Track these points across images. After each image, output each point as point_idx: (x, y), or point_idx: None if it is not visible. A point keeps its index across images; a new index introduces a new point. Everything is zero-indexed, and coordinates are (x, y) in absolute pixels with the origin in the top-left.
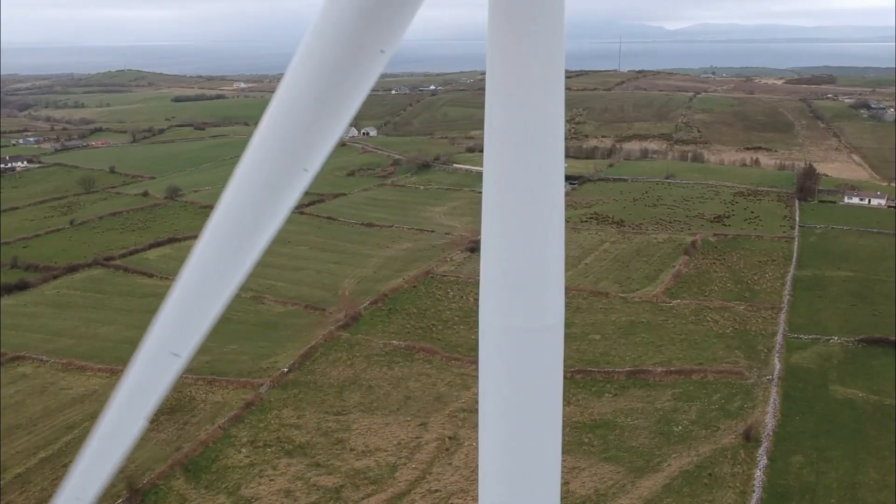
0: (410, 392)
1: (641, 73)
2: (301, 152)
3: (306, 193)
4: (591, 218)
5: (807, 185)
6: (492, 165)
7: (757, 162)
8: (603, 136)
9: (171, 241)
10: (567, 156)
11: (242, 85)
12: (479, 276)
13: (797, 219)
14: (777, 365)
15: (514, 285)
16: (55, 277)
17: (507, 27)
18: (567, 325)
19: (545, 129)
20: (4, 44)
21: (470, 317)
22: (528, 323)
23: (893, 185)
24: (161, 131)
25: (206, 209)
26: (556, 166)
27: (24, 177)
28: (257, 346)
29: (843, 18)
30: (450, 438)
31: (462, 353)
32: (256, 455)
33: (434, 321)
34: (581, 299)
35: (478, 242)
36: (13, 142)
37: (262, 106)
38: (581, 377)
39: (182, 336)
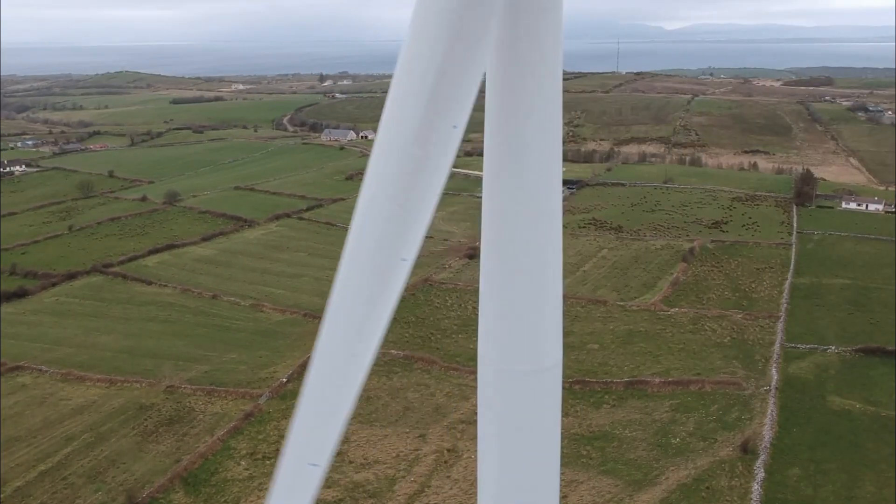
0: (409, 403)
1: (639, 76)
2: (396, 243)
3: (304, 198)
4: (589, 224)
5: (804, 190)
6: (490, 190)
7: (755, 166)
8: (601, 140)
9: (169, 247)
10: (565, 159)
11: (240, 86)
12: (477, 284)
13: (795, 225)
14: (774, 375)
15: (512, 329)
16: (54, 285)
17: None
18: (566, 334)
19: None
20: (3, 43)
21: (469, 325)
22: (526, 366)
23: (890, 189)
24: (159, 134)
25: (205, 214)
26: (554, 201)
27: (23, 181)
28: (256, 355)
29: (841, 18)
30: (448, 451)
31: (460, 363)
32: (256, 468)
33: (433, 330)
34: (579, 307)
35: (476, 249)
36: (11, 145)
37: (259, 108)
38: (579, 388)
39: (320, 445)
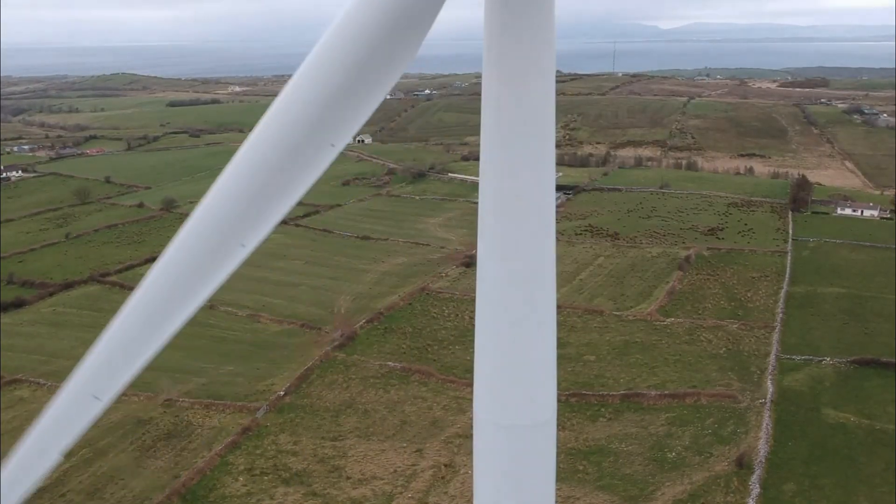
0: (406, 416)
1: (636, 77)
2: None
3: (302, 204)
4: (585, 230)
5: (800, 196)
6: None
7: (751, 170)
8: (597, 143)
9: None
10: (562, 164)
11: (237, 88)
12: (474, 293)
13: (790, 231)
14: (770, 388)
15: (508, 385)
16: (51, 294)
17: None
18: (562, 346)
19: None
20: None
21: (465, 336)
22: (521, 420)
23: (886, 192)
24: (156, 138)
25: None
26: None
27: (19, 187)
28: (253, 367)
29: (836, 17)
30: (445, 466)
31: (457, 375)
32: (253, 483)
33: (429, 341)
34: (576, 317)
35: (473, 257)
36: (8, 149)
37: (255, 111)
38: (576, 401)
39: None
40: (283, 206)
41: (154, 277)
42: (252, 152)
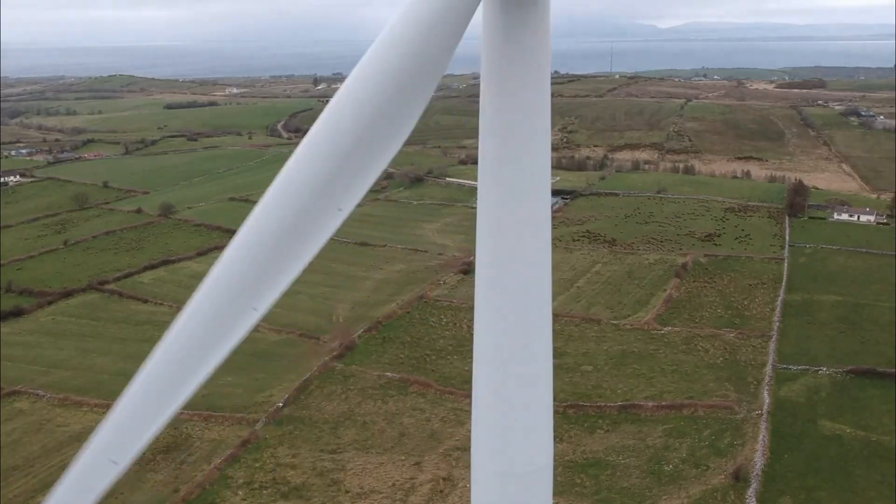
0: (405, 428)
1: (633, 79)
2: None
3: None
4: (582, 236)
5: (796, 200)
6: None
7: (748, 173)
8: (595, 146)
9: (164, 262)
10: (560, 167)
11: (234, 90)
12: (472, 301)
13: (787, 237)
14: (766, 399)
15: (505, 434)
16: (50, 303)
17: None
18: (560, 355)
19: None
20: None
21: (463, 346)
22: (519, 468)
23: (882, 196)
24: (153, 142)
25: (199, 227)
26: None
27: (17, 192)
28: (252, 378)
29: (834, 16)
30: (444, 479)
31: (455, 387)
32: (253, 498)
33: (428, 350)
34: (573, 326)
35: (471, 264)
36: (6, 153)
37: (253, 113)
38: (574, 412)
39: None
40: (293, 271)
41: (169, 342)
42: (262, 218)
